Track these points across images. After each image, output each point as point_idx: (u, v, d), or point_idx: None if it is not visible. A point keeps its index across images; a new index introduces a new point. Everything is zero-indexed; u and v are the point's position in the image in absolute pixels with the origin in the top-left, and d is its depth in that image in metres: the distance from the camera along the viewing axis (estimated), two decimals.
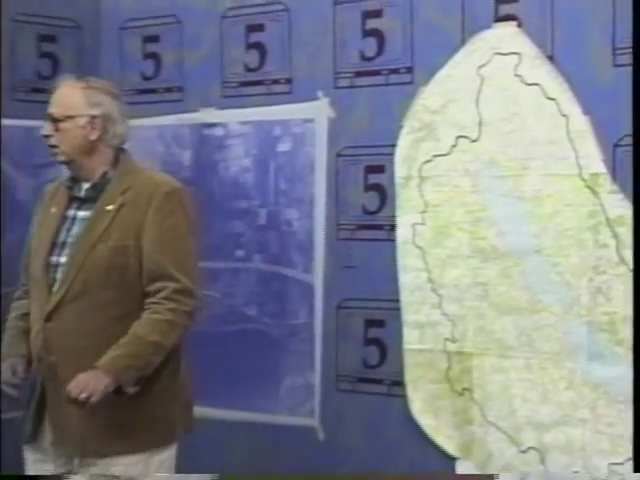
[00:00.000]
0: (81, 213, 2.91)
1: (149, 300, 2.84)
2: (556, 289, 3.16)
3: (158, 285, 2.82)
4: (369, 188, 3.51)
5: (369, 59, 3.50)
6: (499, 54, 3.22)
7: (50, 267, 2.87)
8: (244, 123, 3.79)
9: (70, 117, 2.87)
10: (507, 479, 3.20)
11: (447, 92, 3.33)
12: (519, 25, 3.19)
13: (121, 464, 2.82)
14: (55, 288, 2.86)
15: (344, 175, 3.56)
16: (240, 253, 3.81)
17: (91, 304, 2.85)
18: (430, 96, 3.36)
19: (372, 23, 3.48)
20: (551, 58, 3.14)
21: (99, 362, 2.76)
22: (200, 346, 3.72)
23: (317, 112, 3.60)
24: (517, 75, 3.20)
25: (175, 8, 3.88)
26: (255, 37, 3.71)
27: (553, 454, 3.17)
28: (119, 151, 2.92)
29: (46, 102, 3.83)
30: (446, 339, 3.36)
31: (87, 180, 2.91)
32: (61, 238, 2.90)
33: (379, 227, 3.50)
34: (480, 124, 3.27)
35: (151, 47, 3.96)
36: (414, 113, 3.38)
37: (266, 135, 3.74)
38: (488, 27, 3.24)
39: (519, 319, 3.21)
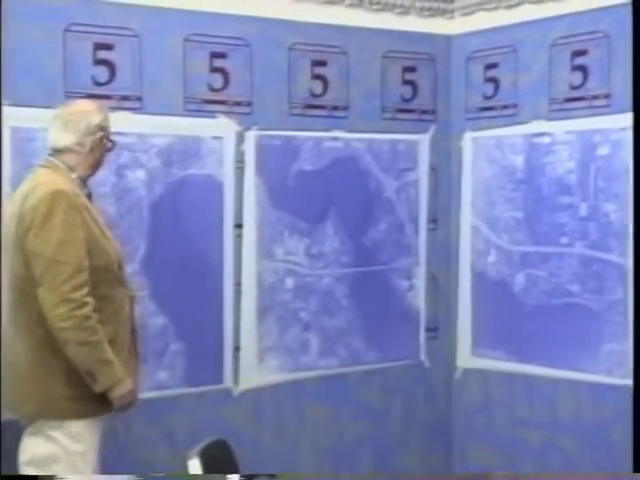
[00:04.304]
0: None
1: None
2: None
3: None
4: None
5: None
6: None
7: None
8: (569, 132, 3.87)
9: None
10: None
11: None
12: None
13: None
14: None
15: None
16: (564, 240, 3.91)
17: None
18: None
19: None
20: None
21: None
22: (531, 316, 4.04)
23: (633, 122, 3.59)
24: None
25: (512, 39, 4.04)
26: (579, 60, 3.81)
27: None
28: None
29: (409, 120, 4.19)
30: None
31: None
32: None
33: None
34: None
35: (491, 72, 4.14)
36: None
37: (587, 142, 3.82)
38: None
39: None
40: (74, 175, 2.96)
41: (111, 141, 3.09)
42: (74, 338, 2.78)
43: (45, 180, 2.92)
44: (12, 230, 2.90)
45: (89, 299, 2.80)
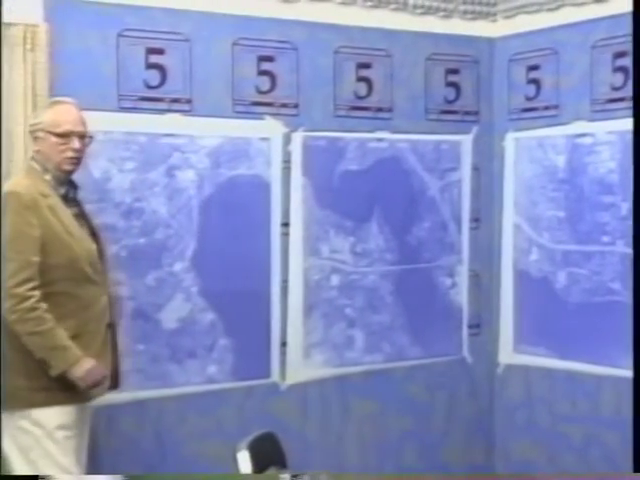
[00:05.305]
0: (77, 209, 3.06)
1: None
2: None
3: None
4: None
5: None
6: None
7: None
8: (610, 133, 3.88)
9: (88, 135, 3.06)
10: None
11: None
12: None
13: None
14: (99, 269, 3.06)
15: None
16: (606, 239, 3.91)
17: None
18: None
19: None
20: None
21: None
22: (573, 313, 4.03)
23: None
24: None
25: (553, 42, 4.06)
26: (620, 62, 3.81)
27: None
28: None
29: (453, 121, 4.22)
30: None
31: (74, 185, 3.07)
32: (87, 231, 3.05)
33: None
34: None
35: (533, 74, 4.15)
36: None
37: (628, 142, 3.74)
38: None
39: None
40: (48, 176, 3.00)
41: (62, 135, 2.98)
42: (22, 330, 2.87)
43: (10, 183, 3.03)
44: None
45: (34, 292, 2.86)
